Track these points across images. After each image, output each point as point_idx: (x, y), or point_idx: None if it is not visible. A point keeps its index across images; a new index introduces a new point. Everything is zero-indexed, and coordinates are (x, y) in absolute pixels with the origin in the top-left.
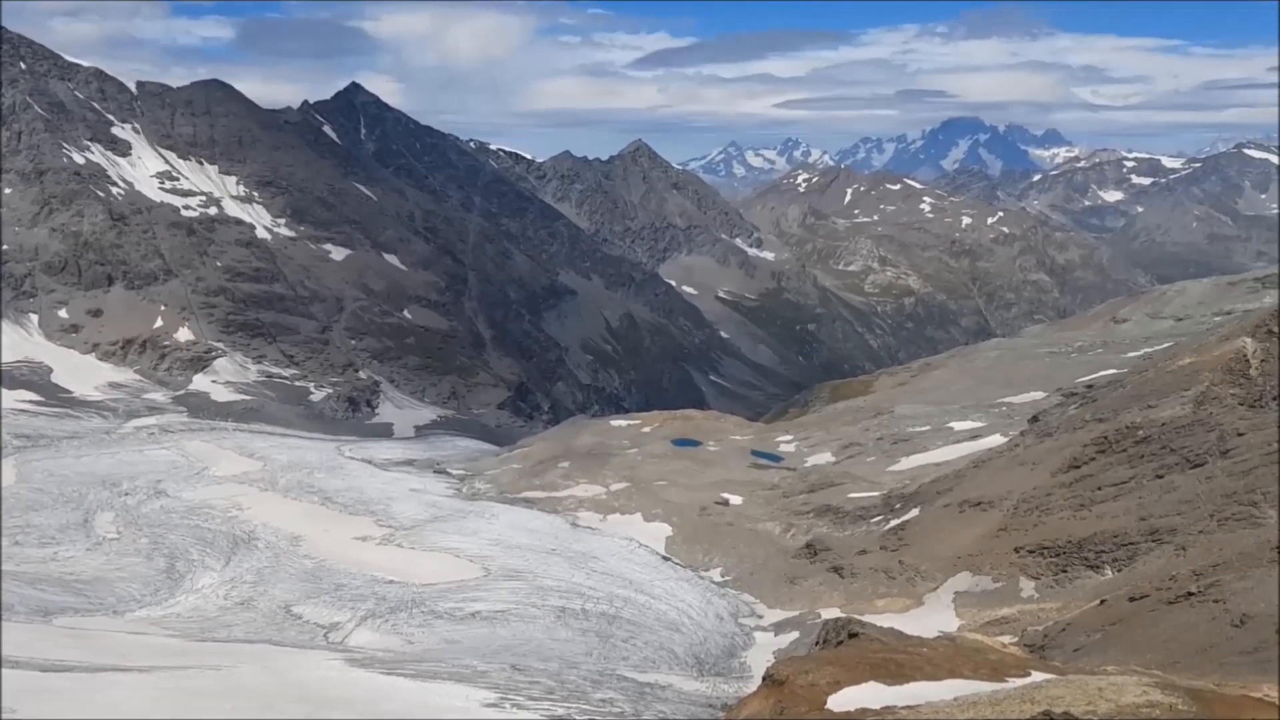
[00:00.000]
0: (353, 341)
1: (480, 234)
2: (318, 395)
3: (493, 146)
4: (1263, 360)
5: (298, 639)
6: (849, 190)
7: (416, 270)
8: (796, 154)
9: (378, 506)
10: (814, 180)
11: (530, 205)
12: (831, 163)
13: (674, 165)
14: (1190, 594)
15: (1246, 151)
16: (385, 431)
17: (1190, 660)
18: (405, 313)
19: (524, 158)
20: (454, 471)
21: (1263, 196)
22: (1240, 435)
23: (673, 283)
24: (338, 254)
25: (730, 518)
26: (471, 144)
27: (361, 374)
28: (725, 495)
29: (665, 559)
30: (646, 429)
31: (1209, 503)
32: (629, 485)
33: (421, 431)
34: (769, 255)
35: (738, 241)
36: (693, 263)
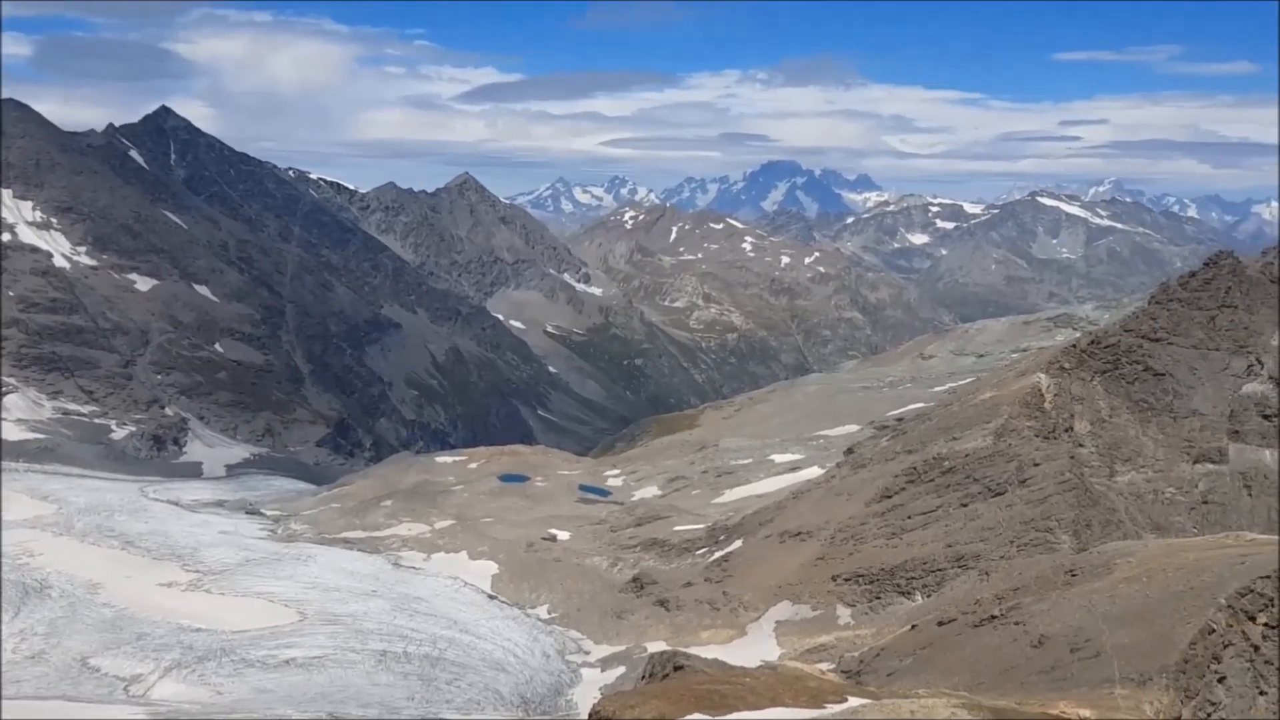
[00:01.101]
0: (159, 376)
1: (299, 265)
2: (120, 433)
3: (313, 175)
4: (1055, 395)
5: (95, 693)
6: (674, 228)
7: (229, 302)
8: (624, 191)
9: (185, 550)
10: (641, 218)
11: (353, 236)
12: (657, 201)
13: (502, 199)
14: (993, 617)
15: (1040, 199)
16: (194, 471)
17: (994, 680)
18: (217, 346)
19: (346, 188)
20: (268, 512)
21: (1054, 241)
22: (1036, 465)
23: (500, 317)
24: (143, 284)
25: (558, 553)
26: (290, 172)
27: (168, 410)
28: (553, 531)
29: (491, 597)
30: (473, 465)
31: (1009, 529)
32: (454, 523)
33: (233, 471)
34: (597, 291)
35: (566, 277)
36: (521, 297)
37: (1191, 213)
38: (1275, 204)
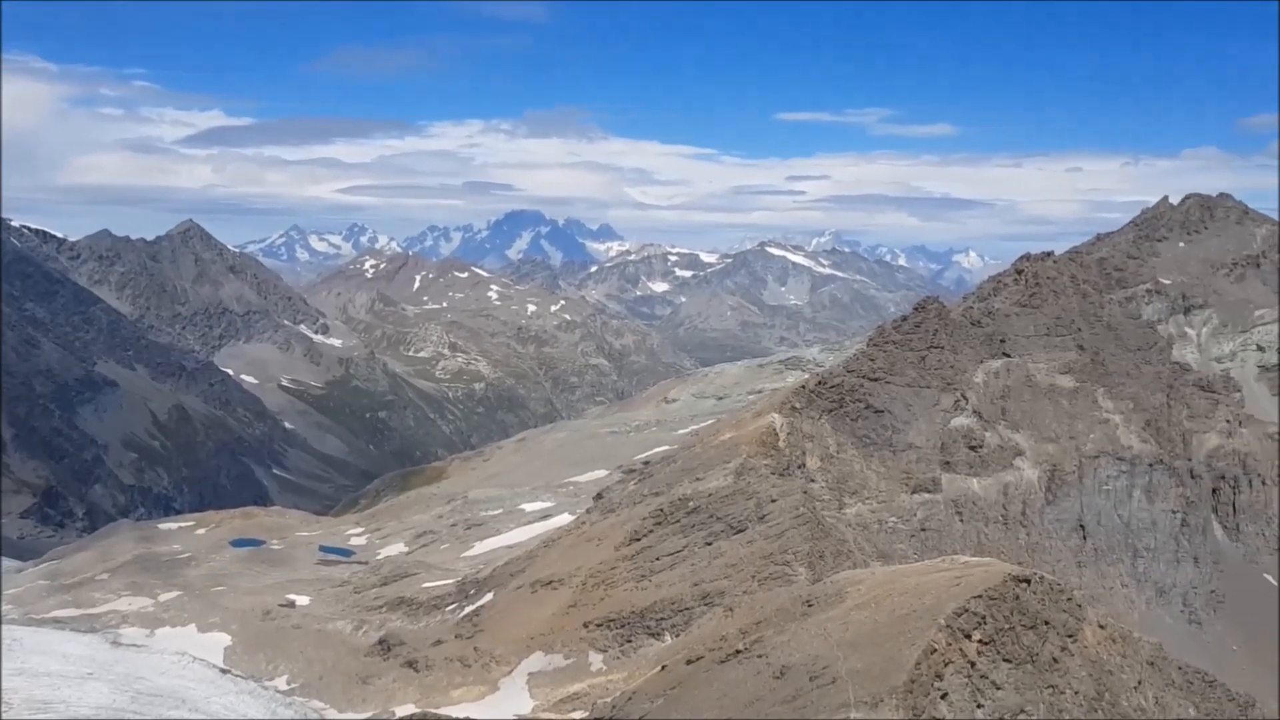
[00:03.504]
0: None
1: None
2: None
3: (15, 223)
4: (788, 433)
5: None
6: (418, 277)
7: None
8: (363, 239)
9: None
10: (382, 266)
11: (61, 288)
12: (399, 249)
13: (230, 248)
14: (738, 651)
15: (769, 249)
16: None
17: (741, 714)
18: None
19: (54, 236)
20: None
21: (783, 289)
22: (773, 501)
23: (230, 372)
24: None
25: (297, 620)
26: None
27: None
28: (291, 596)
29: (224, 671)
30: (201, 531)
31: (750, 565)
32: (181, 594)
33: None
34: (336, 342)
35: (302, 328)
36: (253, 351)
37: (902, 262)
38: (973, 253)
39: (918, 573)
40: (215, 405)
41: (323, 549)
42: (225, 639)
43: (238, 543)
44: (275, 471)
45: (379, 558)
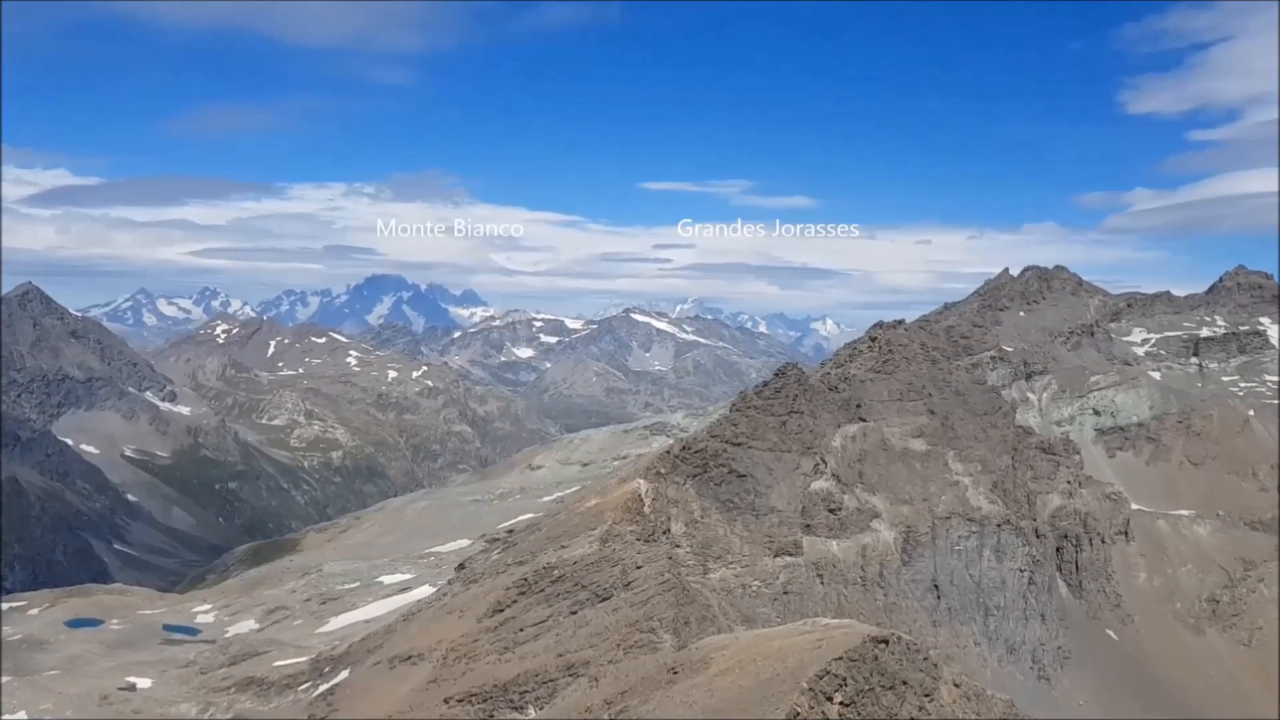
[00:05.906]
0: None
1: None
2: None
3: None
4: (654, 499)
5: None
6: (272, 342)
7: None
8: (215, 304)
9: None
10: (234, 331)
11: None
12: (253, 314)
13: (72, 312)
14: None
15: (634, 316)
16: None
17: None
18: None
19: None
20: None
21: (647, 355)
22: (639, 568)
23: (69, 442)
24: None
25: (138, 704)
26: None
27: None
28: (132, 679)
29: None
30: (34, 611)
31: (616, 633)
32: (11, 680)
33: None
34: (184, 410)
35: (148, 395)
36: (93, 419)
37: (762, 329)
38: (830, 321)
39: (780, 636)
40: (52, 477)
41: (167, 628)
42: None
43: (74, 623)
44: (117, 547)
45: (227, 635)
